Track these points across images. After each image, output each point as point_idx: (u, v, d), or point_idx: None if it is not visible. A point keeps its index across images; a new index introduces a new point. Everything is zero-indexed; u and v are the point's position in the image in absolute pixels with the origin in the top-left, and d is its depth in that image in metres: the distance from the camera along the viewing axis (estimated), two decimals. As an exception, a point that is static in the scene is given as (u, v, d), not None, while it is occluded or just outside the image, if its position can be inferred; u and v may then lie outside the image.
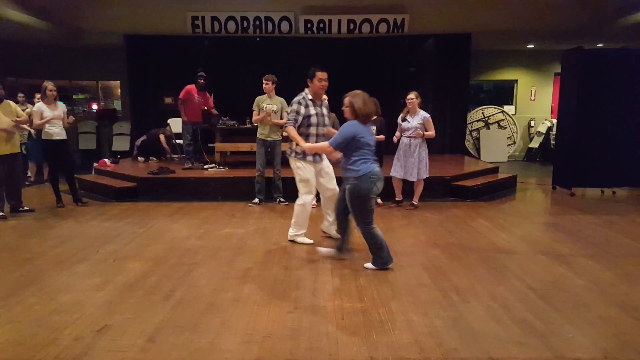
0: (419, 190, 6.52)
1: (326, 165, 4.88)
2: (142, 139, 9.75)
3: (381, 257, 4.10)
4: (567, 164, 7.76)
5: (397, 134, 6.49)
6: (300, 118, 4.67)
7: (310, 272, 4.10)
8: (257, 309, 3.34)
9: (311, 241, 4.90)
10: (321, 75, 4.67)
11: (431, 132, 6.36)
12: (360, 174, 3.95)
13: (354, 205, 4.05)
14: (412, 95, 6.35)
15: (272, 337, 2.93)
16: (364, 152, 3.98)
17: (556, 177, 8.16)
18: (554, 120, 11.67)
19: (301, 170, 4.74)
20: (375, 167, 4.03)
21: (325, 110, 4.91)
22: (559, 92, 8.14)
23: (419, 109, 6.37)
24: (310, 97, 4.74)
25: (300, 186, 4.81)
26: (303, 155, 4.66)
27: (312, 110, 4.71)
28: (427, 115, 6.35)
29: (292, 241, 4.96)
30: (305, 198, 4.78)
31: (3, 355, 2.70)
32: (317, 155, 4.73)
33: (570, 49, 7.81)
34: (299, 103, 4.69)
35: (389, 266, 4.12)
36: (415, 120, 6.33)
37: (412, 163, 6.38)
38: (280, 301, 3.47)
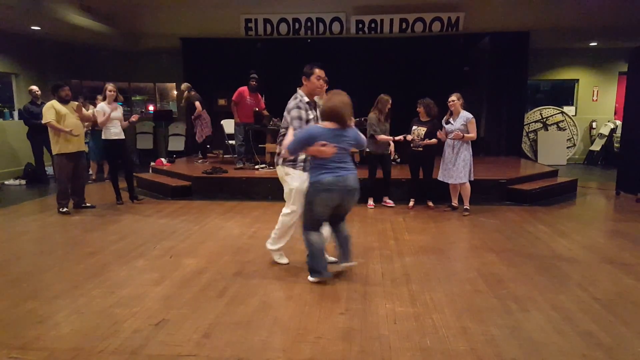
0: (466, 193, 6.32)
1: None
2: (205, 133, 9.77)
3: (313, 267, 3.86)
4: (633, 168, 7.32)
5: (442, 134, 6.27)
6: (304, 125, 3.92)
7: (361, 274, 4.06)
8: (309, 309, 3.34)
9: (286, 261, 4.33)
10: (320, 72, 4.02)
11: (471, 135, 6.13)
12: (312, 181, 3.72)
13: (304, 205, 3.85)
14: (453, 97, 6.18)
15: (324, 338, 2.92)
16: (322, 159, 3.64)
17: (620, 181, 7.72)
18: (618, 122, 11.08)
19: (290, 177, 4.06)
20: (326, 177, 3.63)
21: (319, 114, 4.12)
22: (625, 92, 7.70)
23: (461, 110, 6.19)
24: (306, 99, 4.01)
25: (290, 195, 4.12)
26: (294, 163, 4.02)
27: (311, 115, 4.00)
28: (470, 116, 6.13)
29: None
30: (292, 208, 4.11)
31: (68, 345, 2.83)
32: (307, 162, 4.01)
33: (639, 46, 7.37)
34: (299, 107, 3.93)
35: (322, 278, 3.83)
36: (458, 122, 6.14)
37: (456, 166, 6.20)
38: (331, 302, 3.45)
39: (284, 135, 3.99)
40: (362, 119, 8.60)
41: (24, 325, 3.08)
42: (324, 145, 3.55)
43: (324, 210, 3.73)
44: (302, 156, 3.93)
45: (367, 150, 6.68)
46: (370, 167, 6.76)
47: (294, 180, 4.02)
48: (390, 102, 6.57)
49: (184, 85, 9.69)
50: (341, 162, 3.69)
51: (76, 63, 11.56)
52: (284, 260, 4.33)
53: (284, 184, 4.14)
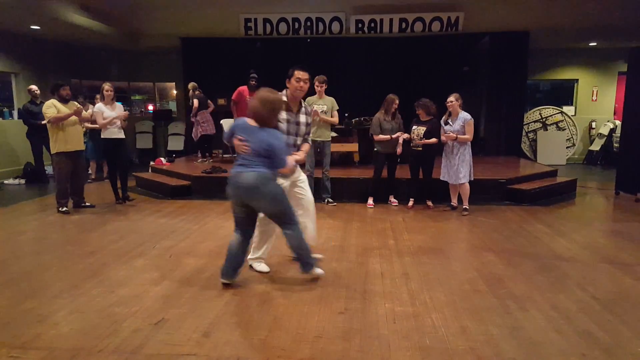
0: (465, 193, 6.32)
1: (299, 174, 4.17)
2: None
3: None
4: (632, 168, 7.32)
5: (443, 137, 6.28)
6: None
7: (360, 273, 4.06)
8: (308, 308, 3.34)
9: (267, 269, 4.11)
10: (300, 74, 3.93)
11: (466, 136, 6.12)
12: None
13: None
14: (451, 98, 6.20)
15: (323, 337, 2.92)
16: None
17: (620, 181, 7.72)
18: (618, 122, 11.10)
19: None
20: (233, 170, 3.65)
21: (303, 119, 4.06)
22: (625, 92, 7.69)
23: (460, 111, 6.19)
24: (284, 99, 3.95)
25: None
26: None
27: (284, 115, 3.92)
28: (468, 117, 6.13)
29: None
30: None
31: (68, 344, 2.83)
32: None
33: (639, 46, 7.36)
34: None
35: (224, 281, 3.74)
36: (457, 123, 6.14)
37: (456, 166, 6.21)
38: (330, 302, 3.45)
39: None
40: (362, 119, 8.63)
41: (23, 325, 3.08)
42: (240, 140, 3.55)
43: (232, 206, 3.73)
44: None
45: (375, 149, 6.74)
46: (377, 166, 6.78)
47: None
48: (397, 101, 6.61)
49: (189, 85, 9.76)
50: (247, 160, 3.56)
51: (75, 62, 11.55)
52: (264, 268, 4.10)
53: None
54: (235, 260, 3.74)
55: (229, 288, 3.71)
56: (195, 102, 9.38)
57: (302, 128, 4.07)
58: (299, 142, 4.06)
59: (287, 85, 4.03)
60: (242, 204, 3.67)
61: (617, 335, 2.94)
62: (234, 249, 3.73)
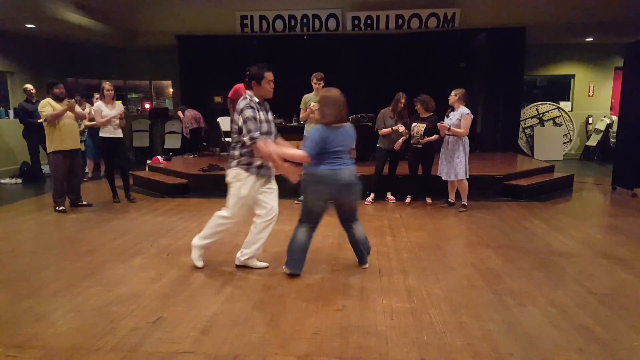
0: (463, 189, 6.32)
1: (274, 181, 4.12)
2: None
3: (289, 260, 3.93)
4: (629, 163, 7.34)
5: (439, 126, 6.28)
6: (260, 126, 3.77)
7: (358, 270, 4.07)
8: (306, 305, 3.35)
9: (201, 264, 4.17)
10: (271, 76, 3.87)
11: (459, 130, 6.07)
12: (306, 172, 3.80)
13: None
14: (452, 93, 6.21)
15: (321, 334, 2.92)
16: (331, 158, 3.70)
17: (616, 176, 7.74)
18: (614, 117, 11.11)
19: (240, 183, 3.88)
20: (324, 169, 3.68)
21: (271, 117, 4.02)
22: (621, 87, 7.72)
23: (461, 106, 6.17)
24: (256, 100, 3.84)
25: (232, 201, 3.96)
26: (248, 166, 3.83)
27: (262, 116, 3.84)
28: (465, 112, 6.10)
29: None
30: (230, 213, 4.01)
31: (66, 343, 2.83)
32: (263, 167, 3.89)
33: (635, 42, 7.37)
34: (252, 107, 3.74)
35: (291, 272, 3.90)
36: (454, 117, 6.15)
37: (451, 162, 6.21)
38: (328, 299, 3.46)
39: (238, 141, 3.82)
40: (359, 116, 8.62)
41: (21, 324, 3.08)
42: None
43: (312, 201, 3.81)
44: (257, 162, 3.83)
45: (377, 145, 6.73)
46: (378, 162, 6.76)
47: (245, 187, 3.85)
48: (403, 100, 6.50)
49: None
50: (338, 158, 3.73)
51: (71, 61, 11.50)
52: (199, 264, 4.15)
53: (230, 185, 3.96)
54: (304, 251, 3.92)
55: (227, 286, 3.71)
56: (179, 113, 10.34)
57: (273, 126, 4.04)
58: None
59: (253, 86, 3.86)
60: (328, 200, 3.81)
61: (614, 330, 2.96)
62: (302, 240, 3.88)
